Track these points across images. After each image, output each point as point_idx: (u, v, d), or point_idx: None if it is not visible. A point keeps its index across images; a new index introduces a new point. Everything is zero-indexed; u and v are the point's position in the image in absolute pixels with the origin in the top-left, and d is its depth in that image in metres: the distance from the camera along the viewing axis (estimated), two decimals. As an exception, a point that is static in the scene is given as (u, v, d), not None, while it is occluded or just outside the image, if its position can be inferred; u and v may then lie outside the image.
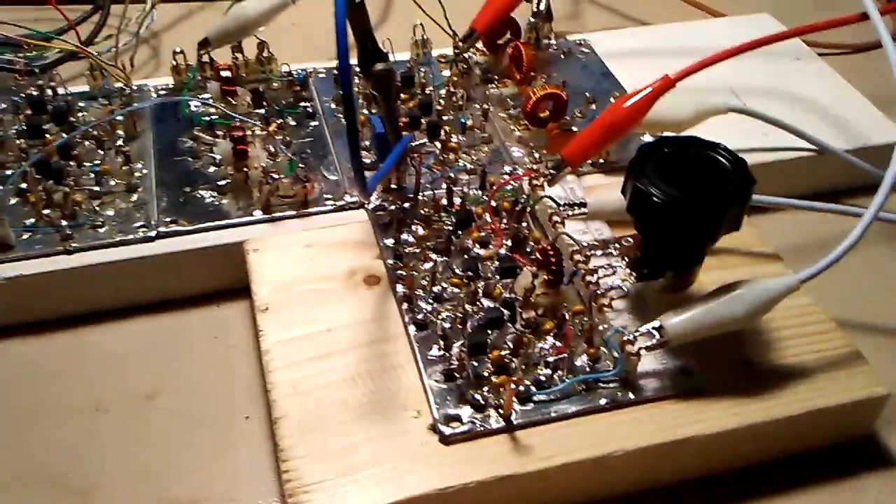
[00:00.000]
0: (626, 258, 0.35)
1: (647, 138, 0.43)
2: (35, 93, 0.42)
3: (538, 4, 0.48)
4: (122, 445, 0.33)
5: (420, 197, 0.39)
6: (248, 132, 0.40)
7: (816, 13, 0.43)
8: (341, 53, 0.26)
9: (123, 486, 0.32)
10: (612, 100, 0.46)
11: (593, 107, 0.45)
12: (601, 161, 0.42)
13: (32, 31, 0.46)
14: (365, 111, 0.43)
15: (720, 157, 0.31)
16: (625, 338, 0.31)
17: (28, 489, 0.31)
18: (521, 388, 0.31)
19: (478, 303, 0.34)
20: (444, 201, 0.38)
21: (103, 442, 0.33)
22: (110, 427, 0.33)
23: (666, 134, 0.37)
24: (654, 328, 0.31)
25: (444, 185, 0.39)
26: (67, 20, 0.48)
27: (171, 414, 0.34)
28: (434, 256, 0.36)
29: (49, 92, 0.43)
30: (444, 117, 0.43)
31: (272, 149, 0.40)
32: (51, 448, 0.33)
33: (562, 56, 0.50)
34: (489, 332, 0.32)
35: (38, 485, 0.32)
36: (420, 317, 0.34)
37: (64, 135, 0.40)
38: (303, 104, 0.45)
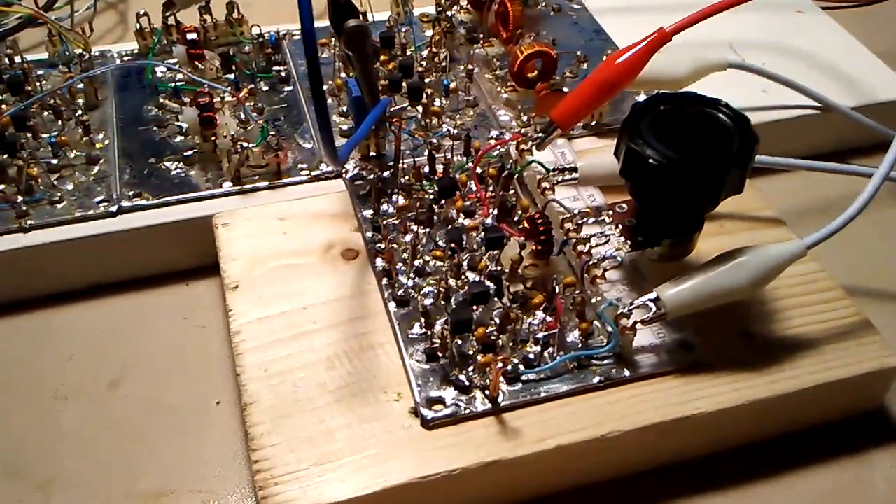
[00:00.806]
0: (620, 226, 0.33)
1: (643, 98, 0.41)
2: (-9, 61, 0.40)
3: (525, -43, 0.46)
4: (83, 435, 0.31)
5: (400, 165, 0.36)
6: (217, 98, 0.37)
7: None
8: (304, 7, 0.24)
9: (85, 478, 0.30)
10: (604, 58, 0.43)
11: (585, 66, 0.43)
12: (593, 123, 0.40)
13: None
14: (343, 74, 0.41)
15: (721, 115, 0.29)
16: (619, 311, 0.29)
17: (-16, 483, 0.29)
18: (509, 367, 0.29)
19: (462, 277, 0.32)
20: (426, 169, 0.36)
21: (64, 431, 0.31)
22: (71, 415, 0.31)
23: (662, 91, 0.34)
24: (650, 300, 0.29)
25: (427, 152, 0.36)
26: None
27: (137, 400, 0.32)
28: (415, 228, 0.34)
29: (6, 60, 0.40)
30: (427, 80, 0.41)
31: (242, 116, 0.38)
32: (8, 438, 0.31)
33: (551, 13, 0.47)
34: (474, 307, 0.30)
35: (-6, 477, 0.30)
36: (401, 293, 0.31)
37: (20, 105, 0.38)
38: (276, 68, 0.42)
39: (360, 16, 0.33)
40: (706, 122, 0.29)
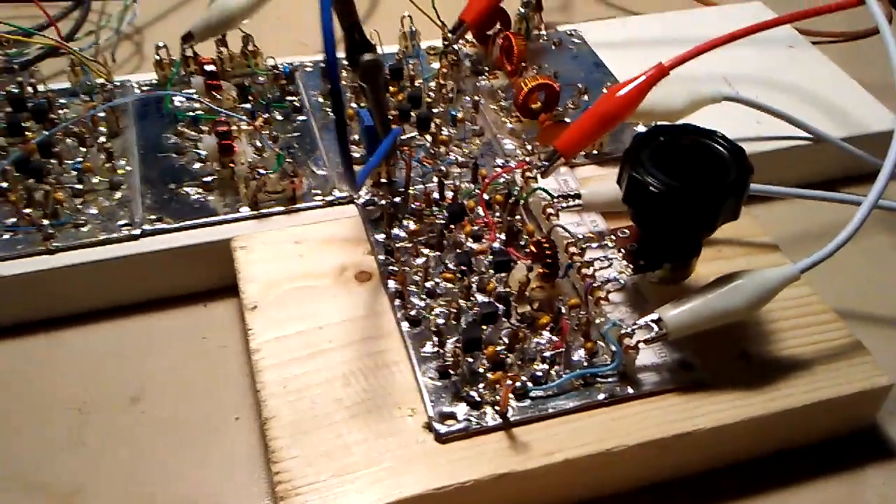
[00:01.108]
0: (622, 250, 0.34)
1: (641, 129, 0.43)
2: (15, 90, 0.41)
3: (528, -6, 0.48)
4: (106, 448, 0.32)
5: (411, 191, 0.38)
6: (234, 127, 0.39)
7: (808, 2, 0.42)
8: (328, 44, 0.25)
9: (108, 490, 0.31)
10: (604, 90, 0.45)
11: (585, 97, 0.44)
12: (595, 152, 0.41)
13: (13, 26, 0.45)
14: (353, 104, 0.43)
15: (717, 145, 0.31)
16: (622, 331, 0.31)
17: (9, 493, 0.30)
18: (518, 384, 0.30)
19: (472, 298, 0.33)
20: (436, 195, 0.37)
21: (88, 445, 0.32)
22: (94, 430, 0.33)
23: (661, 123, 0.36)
24: (652, 321, 0.30)
25: (436, 179, 0.38)
26: (47, 16, 0.47)
27: (158, 415, 0.33)
28: (426, 251, 0.35)
29: (29, 89, 0.42)
30: (434, 110, 0.43)
31: (258, 144, 0.39)
32: (33, 452, 0.32)
33: (552, 47, 0.49)
34: (484, 327, 0.32)
35: (19, 489, 0.31)
36: (413, 313, 0.33)
37: (45, 133, 0.39)
38: (289, 98, 0.44)
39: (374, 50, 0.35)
40: (703, 153, 0.31)
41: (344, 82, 0.44)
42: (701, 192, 0.29)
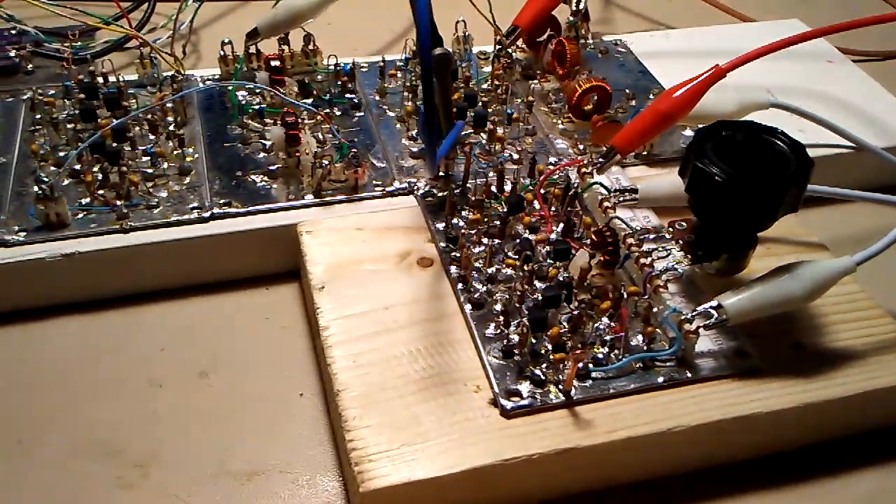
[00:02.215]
0: (679, 241, 0.35)
1: (689, 133, 0.44)
2: (86, 79, 0.43)
3: (577, 4, 0.49)
4: (177, 419, 0.33)
5: (468, 185, 0.39)
6: (298, 119, 0.40)
7: (846, 20, 0.43)
8: (422, 31, 0.27)
9: (180, 458, 0.32)
10: (651, 96, 0.47)
11: (633, 102, 0.46)
12: (644, 153, 0.43)
13: (89, 15, 0.46)
14: (408, 103, 0.44)
15: (777, 141, 0.32)
16: (682, 317, 0.32)
17: (87, 460, 0.31)
18: (580, 364, 0.31)
19: (532, 284, 0.34)
20: (494, 188, 0.39)
21: (160, 416, 0.33)
22: (166, 402, 0.34)
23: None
24: (712, 308, 0.31)
25: (492, 173, 0.39)
26: (120, 8, 0.48)
27: (225, 389, 0.34)
28: (485, 241, 0.36)
29: (100, 79, 0.43)
30: (489, 110, 0.44)
31: (320, 136, 0.41)
32: (108, 422, 0.33)
33: (599, 55, 0.51)
34: (546, 310, 0.33)
35: (96, 456, 0.32)
36: (476, 296, 0.34)
37: (116, 120, 0.41)
38: (348, 95, 0.45)
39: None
40: (763, 147, 0.32)
41: (402, 82, 0.45)
42: (764, 180, 0.30)
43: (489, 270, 0.35)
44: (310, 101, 0.44)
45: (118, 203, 0.37)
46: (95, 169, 0.38)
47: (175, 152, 0.40)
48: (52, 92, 0.43)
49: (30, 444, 0.32)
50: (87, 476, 0.31)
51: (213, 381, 0.35)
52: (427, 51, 0.27)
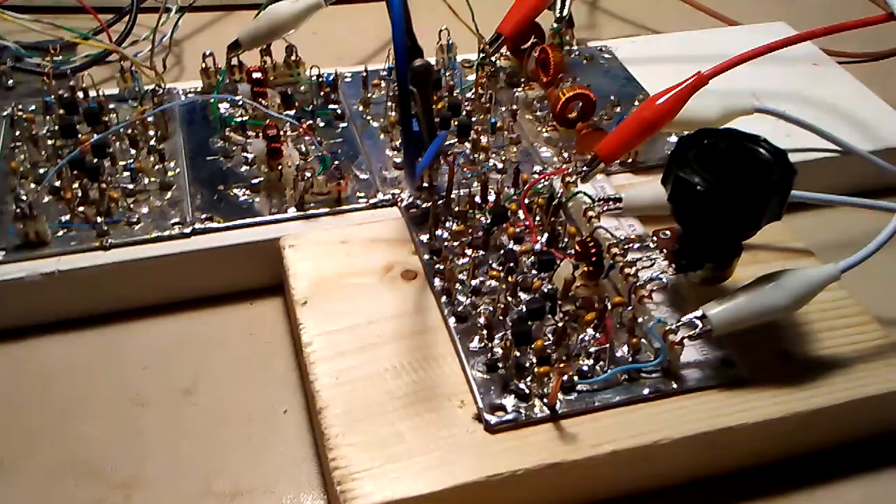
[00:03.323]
0: (664, 250, 0.35)
1: (673, 139, 0.44)
2: (66, 94, 0.43)
3: (561, 10, 0.49)
4: (161, 438, 0.33)
5: (452, 195, 0.39)
6: (281, 132, 0.40)
7: (832, 22, 0.43)
8: (398, 47, 0.27)
9: (164, 478, 0.31)
10: (636, 103, 0.46)
11: (618, 109, 0.46)
12: (629, 161, 0.42)
13: (68, 30, 0.46)
14: (392, 113, 0.44)
15: (760, 149, 0.32)
16: (667, 328, 0.31)
17: (69, 481, 0.31)
18: (565, 377, 0.31)
19: (517, 296, 0.34)
20: (478, 198, 0.38)
21: (143, 435, 0.33)
22: (150, 421, 0.33)
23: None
24: (696, 318, 0.31)
25: (477, 183, 0.39)
26: (100, 22, 0.48)
27: (210, 407, 0.34)
28: (469, 252, 0.36)
29: (79, 94, 0.43)
30: (473, 119, 0.44)
31: (303, 148, 0.41)
32: (91, 441, 0.33)
33: (584, 62, 0.51)
34: (530, 323, 0.32)
35: (79, 477, 0.31)
36: (460, 309, 0.34)
37: (96, 135, 0.40)
38: (331, 106, 0.45)
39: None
40: (746, 155, 0.32)
41: (384, 92, 0.45)
42: (747, 189, 0.30)
43: (473, 282, 0.35)
44: (293, 112, 0.44)
45: (99, 220, 0.37)
46: (75, 185, 0.38)
47: (156, 167, 0.40)
48: (33, 107, 0.43)
49: (10, 465, 0.32)
50: (69, 497, 0.31)
51: (197, 399, 0.34)
52: (403, 66, 0.26)
